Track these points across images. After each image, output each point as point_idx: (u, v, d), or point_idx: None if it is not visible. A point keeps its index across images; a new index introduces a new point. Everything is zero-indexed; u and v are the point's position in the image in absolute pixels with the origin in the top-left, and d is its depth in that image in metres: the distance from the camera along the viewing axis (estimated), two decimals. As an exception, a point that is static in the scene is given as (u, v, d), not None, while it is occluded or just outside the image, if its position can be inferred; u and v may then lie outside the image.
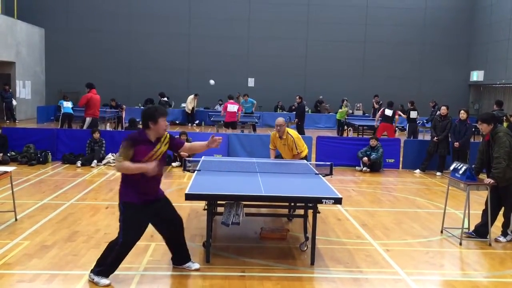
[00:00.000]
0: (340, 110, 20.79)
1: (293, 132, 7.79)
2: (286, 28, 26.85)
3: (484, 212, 6.57)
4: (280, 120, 7.67)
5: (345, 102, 21.40)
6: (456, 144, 11.07)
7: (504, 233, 6.47)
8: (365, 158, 11.81)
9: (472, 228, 6.78)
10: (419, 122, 18.09)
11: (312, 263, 5.39)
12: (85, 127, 12.99)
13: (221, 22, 26.63)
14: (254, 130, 18.53)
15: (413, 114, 15.63)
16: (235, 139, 12.62)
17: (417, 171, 12.00)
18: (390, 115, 14.48)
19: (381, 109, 15.22)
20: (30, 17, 24.38)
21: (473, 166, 6.68)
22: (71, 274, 4.95)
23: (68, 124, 16.44)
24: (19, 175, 9.66)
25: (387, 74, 27.18)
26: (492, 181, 6.26)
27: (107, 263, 4.69)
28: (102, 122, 17.28)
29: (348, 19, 27.03)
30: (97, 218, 6.99)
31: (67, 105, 16.68)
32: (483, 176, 6.69)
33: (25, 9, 24.24)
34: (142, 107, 23.80)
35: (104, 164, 11.46)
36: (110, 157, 11.64)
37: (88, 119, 13.00)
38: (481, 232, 6.52)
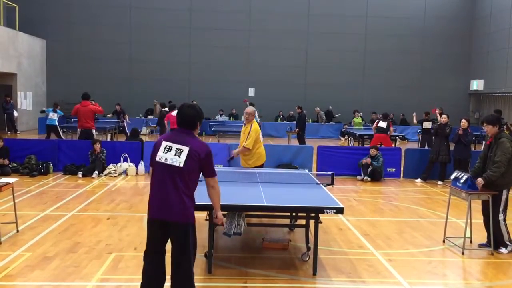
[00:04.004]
0: (355, 120, 21.66)
1: (256, 127, 7.90)
2: (287, 38, 26.98)
3: (486, 222, 6.56)
4: (249, 109, 8.06)
5: (356, 113, 22.27)
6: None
7: (504, 244, 6.44)
8: (368, 159, 11.81)
9: (475, 237, 6.77)
10: (418, 131, 18.13)
11: (314, 273, 5.38)
12: (77, 138, 13.03)
13: (221, 32, 26.76)
14: None
15: (426, 125, 15.66)
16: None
17: (418, 180, 12.00)
18: (384, 126, 14.55)
19: (376, 121, 15.36)
20: (32, 29, 24.51)
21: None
22: (73, 285, 4.95)
23: (56, 135, 16.40)
24: (20, 186, 9.67)
25: (387, 84, 27.26)
26: (482, 181, 6.24)
27: None
28: (103, 132, 17.36)
29: (348, 29, 27.16)
30: (99, 229, 6.98)
31: (52, 116, 16.70)
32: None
33: (27, 20, 24.38)
34: (143, 118, 23.87)
35: (106, 175, 11.46)
36: (111, 167, 11.66)
37: (78, 131, 13.01)
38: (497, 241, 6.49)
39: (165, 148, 4.12)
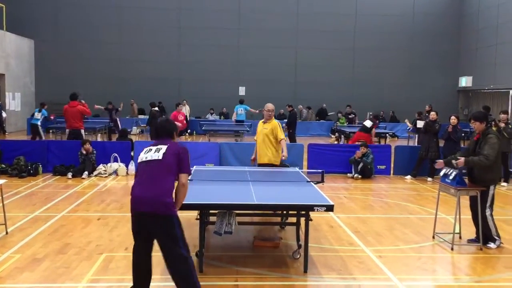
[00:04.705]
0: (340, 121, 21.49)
1: (279, 122, 8.06)
2: (276, 36, 27.00)
3: (474, 218, 6.62)
4: (271, 106, 8.08)
5: (339, 114, 22.22)
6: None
7: (492, 239, 6.51)
8: (358, 152, 11.86)
9: (464, 233, 6.84)
10: (408, 128, 18.24)
11: (305, 270, 5.40)
12: (66, 139, 12.95)
13: (211, 31, 26.72)
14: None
15: (420, 124, 15.79)
16: (227, 148, 12.62)
17: (408, 177, 12.08)
18: (368, 126, 14.63)
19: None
20: (19, 29, 24.30)
21: (463, 171, 6.72)
22: (63, 286, 4.92)
23: (38, 136, 16.24)
24: (9, 187, 9.58)
25: (377, 81, 27.38)
26: (462, 161, 6.26)
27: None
28: (93, 132, 17.26)
29: (337, 27, 27.24)
30: (89, 230, 6.95)
31: (37, 116, 16.56)
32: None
33: (14, 20, 24.15)
34: (133, 118, 23.77)
35: (96, 175, 11.40)
36: (101, 168, 11.60)
37: (67, 131, 12.93)
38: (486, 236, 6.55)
39: (145, 151, 4.52)
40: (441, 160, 6.50)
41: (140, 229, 4.33)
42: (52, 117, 18.02)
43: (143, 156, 4.47)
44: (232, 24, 26.99)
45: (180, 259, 4.24)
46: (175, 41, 26.84)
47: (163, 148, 4.39)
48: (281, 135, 7.85)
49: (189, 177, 4.83)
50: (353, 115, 22.72)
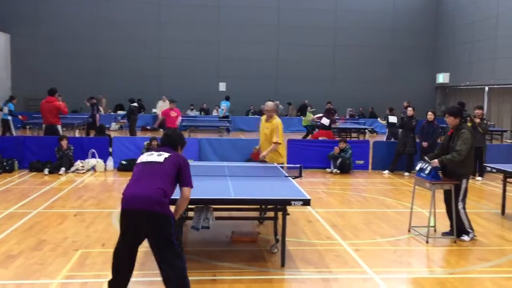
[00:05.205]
0: (304, 117, 20.96)
1: (280, 121, 7.66)
2: (257, 32, 27.01)
3: (448, 211, 6.75)
4: (269, 105, 7.67)
5: (308, 108, 21.83)
6: (425, 144, 11.38)
7: (466, 232, 6.65)
8: (337, 148, 11.97)
9: (439, 226, 6.97)
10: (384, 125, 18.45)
11: (283, 264, 5.43)
12: (43, 134, 12.71)
13: (191, 26, 26.58)
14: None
15: (392, 119, 15.97)
16: (206, 144, 12.59)
17: (386, 171, 12.23)
18: (327, 124, 14.82)
19: (320, 116, 15.26)
20: (-5, 23, 23.83)
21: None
22: (38, 283, 4.86)
23: (8, 132, 15.89)
24: (-17, 184, 9.41)
25: (357, 77, 27.61)
26: (437, 161, 6.37)
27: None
28: (71, 128, 17.03)
29: (318, 22, 27.37)
30: (65, 226, 6.86)
31: (4, 110, 16.13)
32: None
33: (-11, 14, 23.68)
34: (112, 113, 23.52)
35: (73, 172, 11.26)
36: (79, 164, 11.46)
37: (43, 126, 12.67)
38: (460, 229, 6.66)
39: (147, 154, 4.48)
40: (436, 160, 6.51)
41: (131, 227, 4.13)
42: (21, 118, 17.30)
43: (143, 158, 4.42)
44: (212, 19, 26.90)
45: (176, 257, 4.13)
46: (155, 37, 26.64)
47: (166, 154, 4.36)
48: (275, 138, 7.43)
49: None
50: (334, 112, 22.78)
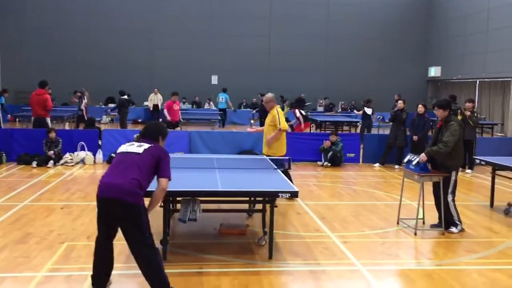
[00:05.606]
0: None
1: (280, 110, 7.93)
2: (250, 24, 26.83)
3: (437, 204, 6.74)
4: (267, 96, 7.96)
5: (287, 102, 21.80)
6: (415, 137, 11.39)
7: (454, 224, 6.65)
8: (327, 142, 11.94)
9: (427, 218, 6.97)
10: (379, 117, 18.47)
11: (270, 257, 5.41)
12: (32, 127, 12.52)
13: (183, 18, 26.37)
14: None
15: (368, 111, 16.01)
16: (197, 137, 12.52)
17: (377, 164, 12.23)
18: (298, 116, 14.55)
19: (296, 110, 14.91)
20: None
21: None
22: (21, 276, 4.79)
23: None
24: (-30, 177, 9.30)
25: (349, 70, 27.52)
26: (424, 156, 6.38)
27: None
28: (61, 121, 16.89)
29: (310, 15, 27.22)
30: (52, 219, 6.79)
31: None
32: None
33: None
34: (103, 106, 23.34)
35: (62, 164, 11.16)
36: (67, 157, 11.36)
37: (32, 119, 12.45)
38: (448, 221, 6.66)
39: (127, 145, 4.48)
40: (423, 155, 6.49)
41: (104, 216, 4.22)
42: (9, 118, 16.84)
43: (123, 148, 4.43)
44: (203, 11, 26.68)
45: (146, 248, 4.16)
46: (148, 29, 26.39)
47: (146, 145, 4.36)
48: (277, 124, 7.62)
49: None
50: (332, 106, 23.02)
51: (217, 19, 26.74)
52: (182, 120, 16.06)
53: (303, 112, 14.37)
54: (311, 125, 19.87)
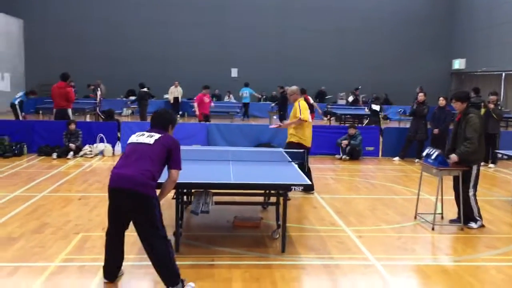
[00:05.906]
0: None
1: (302, 102, 8.00)
2: (268, 17, 26.71)
3: (457, 198, 6.57)
4: (290, 89, 8.15)
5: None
6: (436, 130, 11.15)
7: (474, 219, 6.48)
8: (345, 142, 11.84)
9: (447, 213, 6.82)
10: (400, 110, 18.20)
11: (283, 250, 5.35)
12: (53, 119, 12.67)
13: (203, 11, 26.40)
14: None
15: (375, 107, 15.84)
16: (215, 129, 12.51)
17: (396, 158, 12.03)
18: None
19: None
20: (8, 8, 23.89)
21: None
22: (35, 266, 4.85)
23: (15, 116, 15.83)
24: (-8, 167, 9.49)
25: (370, 64, 27.18)
26: (456, 157, 6.23)
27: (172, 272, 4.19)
28: (82, 114, 17.09)
29: (332, 7, 26.93)
30: (69, 210, 6.87)
31: (19, 94, 15.86)
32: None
33: (3, 0, 23.74)
34: (124, 99, 23.55)
35: (81, 156, 11.30)
36: (87, 148, 11.49)
37: (54, 110, 12.60)
38: (468, 217, 6.50)
39: (137, 135, 4.43)
40: (454, 155, 6.33)
41: (116, 207, 4.21)
42: (22, 118, 16.78)
43: (133, 138, 4.39)
44: (224, 3, 26.64)
45: (158, 240, 4.13)
46: (168, 21, 26.48)
47: (156, 135, 4.30)
48: (298, 113, 7.75)
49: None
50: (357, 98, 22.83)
51: (236, 12, 26.66)
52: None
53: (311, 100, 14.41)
54: (330, 118, 19.76)
